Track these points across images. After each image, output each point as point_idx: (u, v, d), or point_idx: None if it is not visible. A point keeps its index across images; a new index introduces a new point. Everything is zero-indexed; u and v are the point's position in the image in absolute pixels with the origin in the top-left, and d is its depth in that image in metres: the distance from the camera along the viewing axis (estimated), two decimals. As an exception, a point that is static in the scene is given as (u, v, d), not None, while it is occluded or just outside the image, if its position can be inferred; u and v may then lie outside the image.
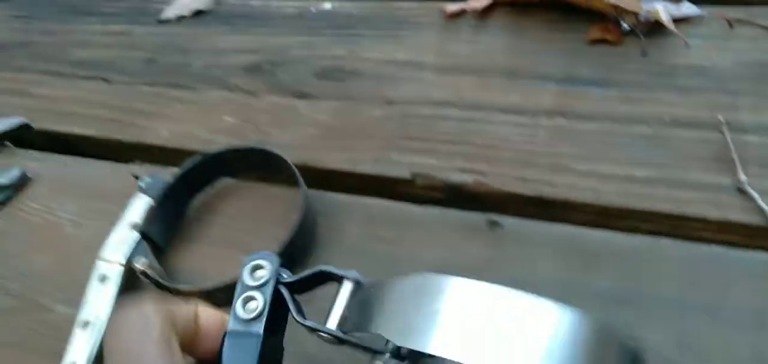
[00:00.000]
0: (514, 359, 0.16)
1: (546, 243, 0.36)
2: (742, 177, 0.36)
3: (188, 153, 0.49)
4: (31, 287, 0.42)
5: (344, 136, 0.47)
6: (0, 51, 0.64)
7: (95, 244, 0.42)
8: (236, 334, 0.23)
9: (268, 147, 0.42)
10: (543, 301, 0.18)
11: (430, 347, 0.17)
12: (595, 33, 0.47)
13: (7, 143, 0.54)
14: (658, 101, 0.42)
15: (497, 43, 0.50)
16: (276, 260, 0.25)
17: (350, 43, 0.54)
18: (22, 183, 0.49)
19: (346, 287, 0.24)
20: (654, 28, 0.47)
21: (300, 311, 0.25)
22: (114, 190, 0.46)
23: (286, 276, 0.25)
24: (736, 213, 0.35)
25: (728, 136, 0.38)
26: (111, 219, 0.44)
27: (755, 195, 0.36)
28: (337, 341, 0.23)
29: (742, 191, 0.36)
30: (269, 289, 0.25)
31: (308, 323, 0.24)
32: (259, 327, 0.23)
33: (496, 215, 0.38)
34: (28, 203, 0.48)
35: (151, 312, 0.22)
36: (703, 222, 0.36)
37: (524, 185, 0.40)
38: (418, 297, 0.19)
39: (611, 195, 0.38)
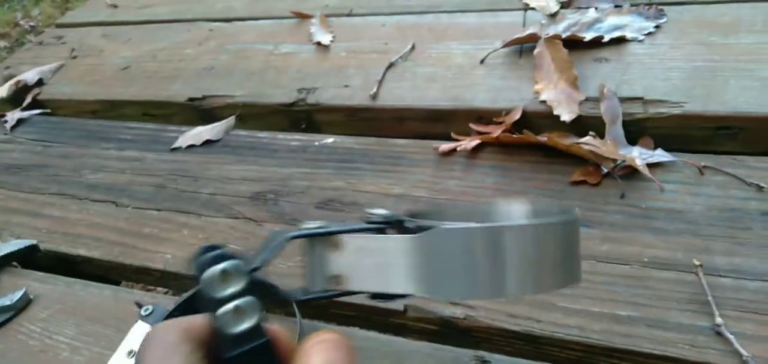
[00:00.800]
0: None
1: (533, 382, 0.37)
2: (719, 320, 0.38)
3: (189, 278, 0.51)
4: (22, 414, 0.42)
5: (340, 266, 0.49)
6: (18, 172, 0.68)
7: (90, 369, 0.43)
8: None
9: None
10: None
11: None
12: (577, 175, 0.51)
13: (15, 264, 0.56)
14: (637, 242, 0.45)
15: (486, 181, 0.53)
16: (240, 260, 0.25)
17: (350, 176, 0.57)
18: (24, 305, 0.50)
19: None
20: (630, 171, 0.50)
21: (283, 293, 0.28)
22: (113, 314, 0.48)
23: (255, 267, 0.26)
24: (714, 356, 0.37)
25: (703, 280, 0.41)
26: (108, 344, 0.45)
27: (731, 338, 0.37)
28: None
29: (719, 334, 0.38)
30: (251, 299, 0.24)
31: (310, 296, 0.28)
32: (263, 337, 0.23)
33: (485, 352, 0.40)
34: (27, 325, 0.49)
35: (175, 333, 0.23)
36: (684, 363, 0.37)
37: (512, 321, 0.41)
38: None
39: (596, 334, 0.40)
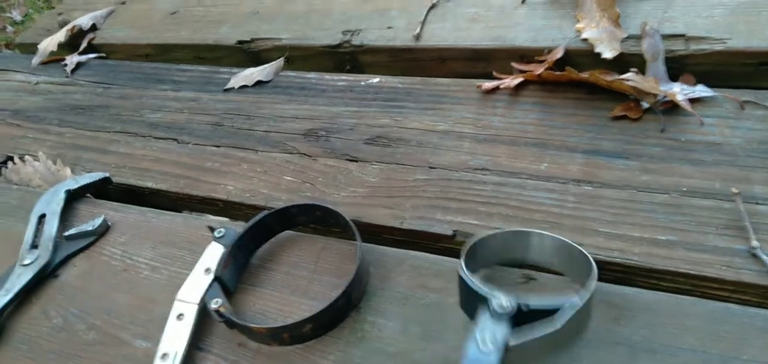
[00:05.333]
0: None
1: (577, 296, 0.40)
2: (755, 243, 0.41)
3: (251, 207, 0.55)
4: (112, 324, 0.47)
5: (391, 195, 0.52)
6: (82, 112, 0.72)
7: (169, 286, 0.48)
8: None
9: (327, 204, 0.48)
10: None
11: None
12: (618, 110, 0.53)
13: (88, 196, 0.61)
14: (676, 172, 0.47)
15: (528, 117, 0.56)
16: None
17: (395, 114, 0.60)
18: (103, 230, 0.55)
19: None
20: (671, 107, 0.52)
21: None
22: (186, 238, 0.52)
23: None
24: (749, 275, 0.40)
25: (741, 206, 0.43)
26: (183, 264, 0.50)
27: (767, 259, 0.40)
28: None
29: (754, 256, 0.40)
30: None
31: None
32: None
33: (530, 270, 0.43)
34: (109, 248, 0.54)
35: None
36: (720, 282, 0.40)
37: (556, 245, 0.44)
38: None
39: (636, 256, 0.42)
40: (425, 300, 0.43)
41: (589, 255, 0.39)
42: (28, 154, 0.67)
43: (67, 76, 0.79)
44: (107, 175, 0.60)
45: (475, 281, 0.37)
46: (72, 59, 0.81)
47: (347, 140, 0.59)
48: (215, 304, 0.43)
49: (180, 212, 0.61)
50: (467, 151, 0.54)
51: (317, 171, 0.56)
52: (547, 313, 0.34)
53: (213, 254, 0.47)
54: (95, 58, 0.82)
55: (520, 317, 0.35)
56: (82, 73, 0.80)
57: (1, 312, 0.49)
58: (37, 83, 0.79)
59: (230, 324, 0.43)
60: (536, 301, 0.35)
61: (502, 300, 0.35)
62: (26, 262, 0.52)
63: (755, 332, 0.36)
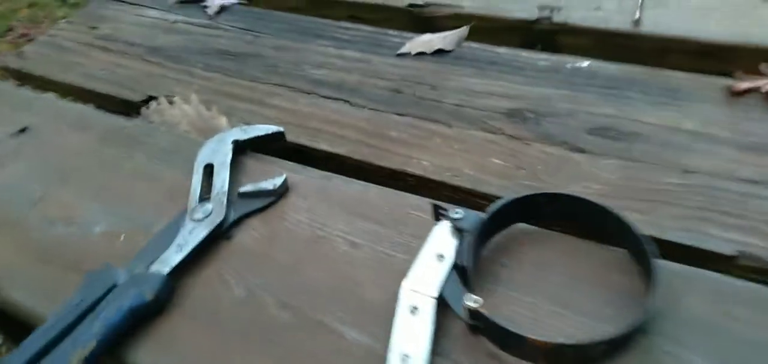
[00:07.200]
0: None
1: None
2: None
3: (453, 188, 0.47)
4: (311, 304, 0.39)
5: (639, 197, 0.43)
6: (231, 58, 0.65)
7: (378, 267, 0.40)
8: None
9: (592, 199, 0.39)
10: None
11: None
12: None
13: (248, 151, 0.53)
14: None
15: (800, 128, 0.46)
16: None
17: (621, 104, 0.51)
18: (283, 191, 0.47)
19: None
20: None
21: None
22: (387, 214, 0.44)
23: None
24: None
25: None
26: (392, 245, 0.42)
27: None
28: None
29: None
30: None
31: None
32: None
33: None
34: (291, 213, 0.46)
35: None
36: None
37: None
38: None
39: None
40: (735, 333, 0.34)
41: None
42: (175, 96, 0.60)
43: (208, 18, 0.72)
44: (281, 129, 0.52)
45: None
46: (214, 1, 0.73)
47: (565, 127, 0.50)
48: (473, 303, 0.34)
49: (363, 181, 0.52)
50: (731, 159, 0.45)
51: (533, 157, 0.48)
52: None
53: (443, 238, 0.39)
54: (238, 3, 0.74)
55: None
56: (226, 18, 0.72)
57: (174, 271, 0.41)
58: (174, 22, 0.72)
59: (489, 331, 0.34)
60: None
61: None
62: (198, 216, 0.44)
63: None
